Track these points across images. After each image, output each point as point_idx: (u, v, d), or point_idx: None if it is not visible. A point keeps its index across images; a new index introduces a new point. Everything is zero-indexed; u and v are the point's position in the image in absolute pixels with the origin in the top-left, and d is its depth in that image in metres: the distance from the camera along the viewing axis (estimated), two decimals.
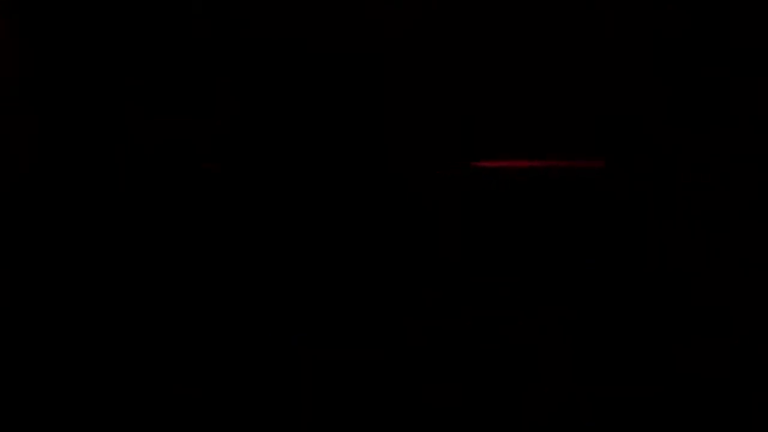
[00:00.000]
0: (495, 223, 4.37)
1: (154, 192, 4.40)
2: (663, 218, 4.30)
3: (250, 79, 4.44)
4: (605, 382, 4.13)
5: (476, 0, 4.44)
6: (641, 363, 4.14)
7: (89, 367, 4.25)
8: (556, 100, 4.40)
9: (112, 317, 4.30)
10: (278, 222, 4.39)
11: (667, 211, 4.30)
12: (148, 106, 4.44)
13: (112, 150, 4.43)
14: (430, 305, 4.28)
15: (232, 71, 4.44)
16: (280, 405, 4.19)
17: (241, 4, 4.46)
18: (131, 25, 4.45)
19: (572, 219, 4.35)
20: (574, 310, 4.23)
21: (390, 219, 4.38)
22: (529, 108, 4.41)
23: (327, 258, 4.35)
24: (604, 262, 4.29)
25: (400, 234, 4.37)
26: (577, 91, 4.39)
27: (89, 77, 4.45)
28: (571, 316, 4.22)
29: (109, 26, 4.45)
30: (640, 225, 4.30)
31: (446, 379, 4.17)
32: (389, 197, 4.40)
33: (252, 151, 4.43)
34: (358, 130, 4.43)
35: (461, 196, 4.39)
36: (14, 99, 4.42)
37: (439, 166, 4.41)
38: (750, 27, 4.31)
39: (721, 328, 4.17)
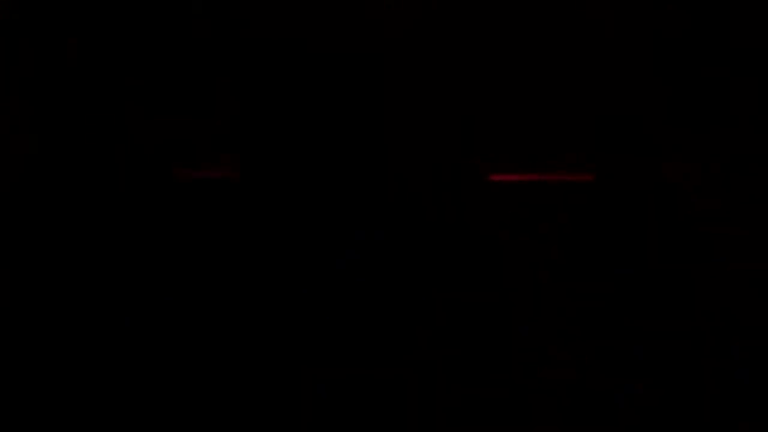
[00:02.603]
0: (495, 223, 4.38)
1: (154, 192, 4.41)
2: (663, 218, 4.30)
3: (250, 79, 4.44)
4: (605, 381, 4.13)
5: (475, 0, 4.45)
6: (641, 363, 4.14)
7: (88, 368, 4.25)
8: (556, 99, 4.40)
9: (112, 320, 4.30)
10: (278, 222, 4.39)
11: (667, 212, 4.30)
12: (148, 106, 4.44)
13: (112, 150, 4.43)
14: (432, 309, 4.29)
15: (232, 71, 4.44)
16: (281, 413, 4.19)
17: (241, 4, 4.46)
18: (131, 25, 4.45)
19: (572, 218, 4.35)
20: (574, 310, 4.24)
21: (390, 219, 4.38)
22: (529, 107, 4.41)
23: (326, 258, 4.36)
24: (604, 262, 4.30)
25: (400, 235, 4.38)
26: (576, 90, 4.40)
27: (89, 77, 4.45)
28: (570, 316, 4.23)
29: (109, 26, 4.45)
30: (639, 225, 4.31)
31: (446, 379, 4.17)
32: (389, 197, 4.40)
33: (252, 151, 4.43)
34: (359, 131, 4.43)
35: (462, 198, 4.39)
36: (12, 97, 4.42)
37: (440, 168, 4.41)
38: (750, 27, 4.32)
39: (721, 328, 4.17)
